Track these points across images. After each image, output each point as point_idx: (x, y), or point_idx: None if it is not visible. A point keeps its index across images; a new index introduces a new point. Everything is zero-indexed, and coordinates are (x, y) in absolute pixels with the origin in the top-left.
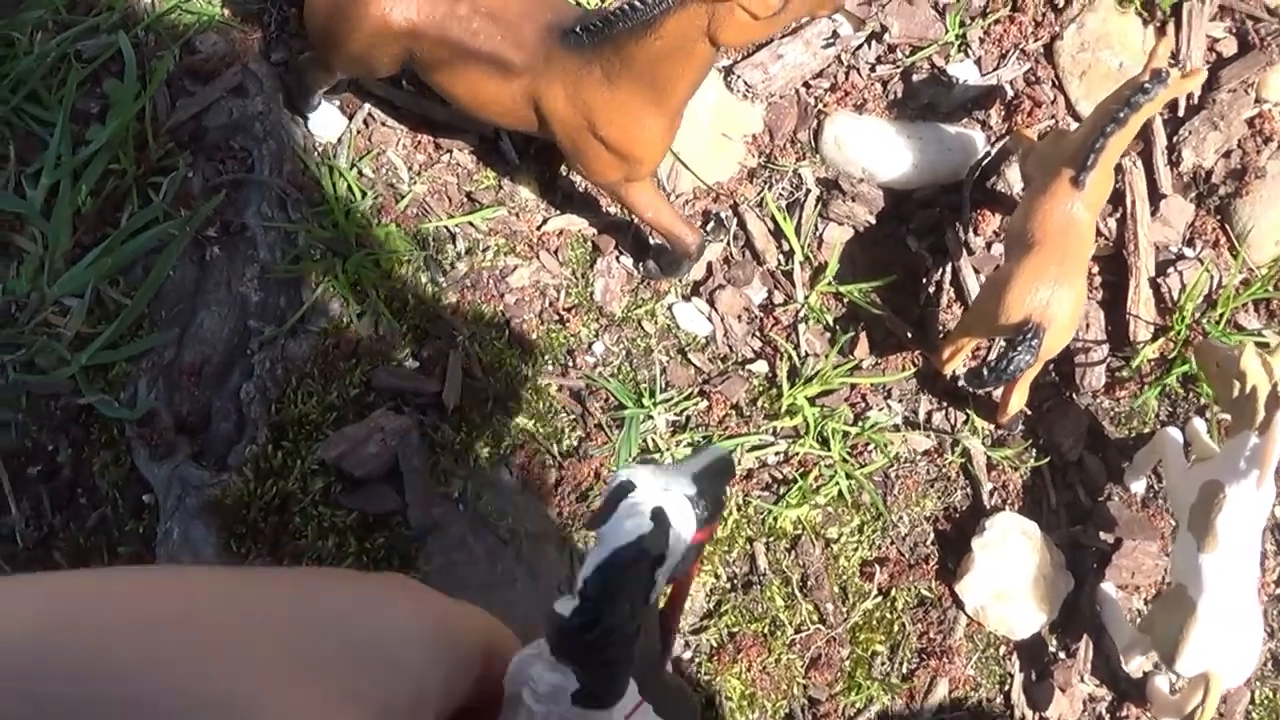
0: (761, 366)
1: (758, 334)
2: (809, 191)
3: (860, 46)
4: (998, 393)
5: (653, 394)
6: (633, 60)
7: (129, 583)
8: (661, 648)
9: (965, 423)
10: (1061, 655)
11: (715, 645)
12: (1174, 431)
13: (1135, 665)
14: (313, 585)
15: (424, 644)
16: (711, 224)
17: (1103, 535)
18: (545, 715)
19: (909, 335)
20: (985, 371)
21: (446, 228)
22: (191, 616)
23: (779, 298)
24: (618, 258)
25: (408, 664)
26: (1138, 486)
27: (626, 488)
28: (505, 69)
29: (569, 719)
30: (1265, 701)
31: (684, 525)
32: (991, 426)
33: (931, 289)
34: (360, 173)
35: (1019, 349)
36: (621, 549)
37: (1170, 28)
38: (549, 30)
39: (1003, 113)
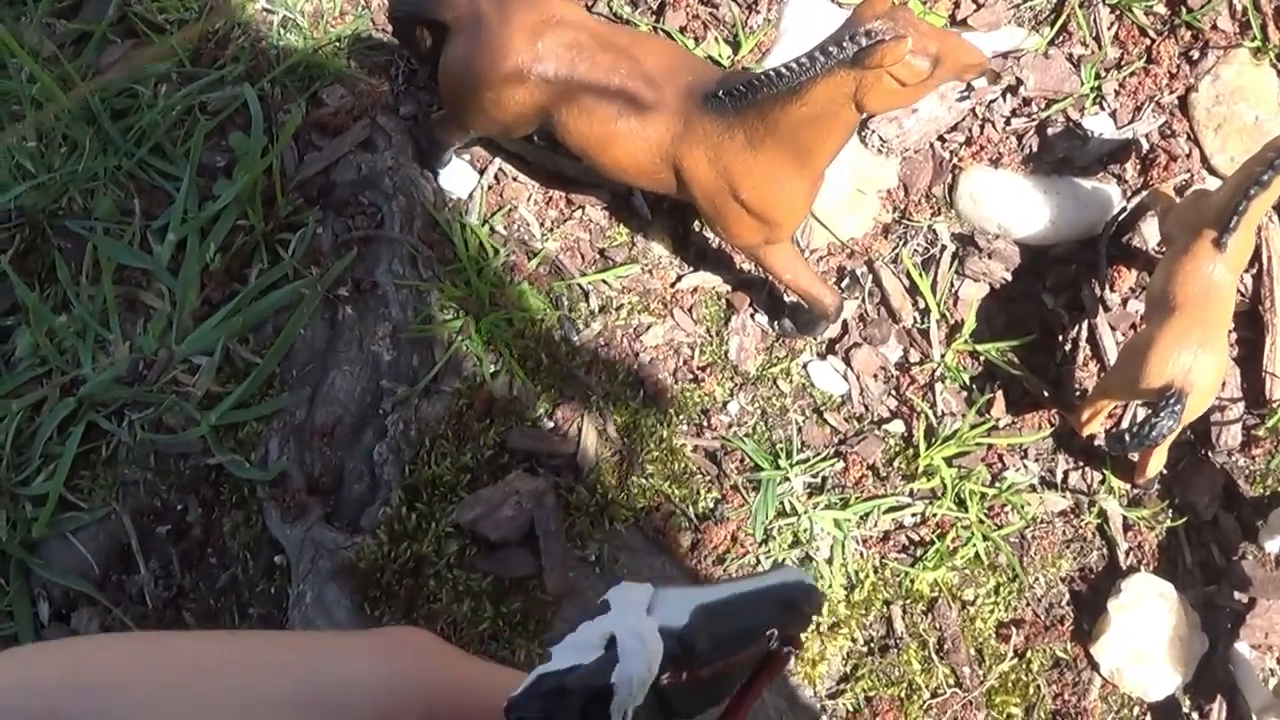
0: (898, 426)
1: (894, 393)
2: (944, 248)
3: (995, 100)
4: (1136, 454)
5: (789, 454)
6: (777, 125)
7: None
8: None
9: (1102, 483)
10: (1195, 717)
11: (851, 709)
12: None
13: None
14: (287, 643)
15: (381, 692)
16: (847, 281)
17: (1237, 595)
18: None
19: (1045, 394)
20: (1127, 437)
21: (580, 286)
22: (154, 671)
23: (915, 356)
24: (752, 315)
25: (360, 706)
26: (1272, 546)
27: (604, 606)
28: (644, 132)
29: None
30: None
31: (639, 661)
32: (1127, 486)
33: (1068, 347)
34: (492, 229)
35: (1161, 415)
36: (545, 675)
37: None
38: (689, 93)
39: (1138, 167)
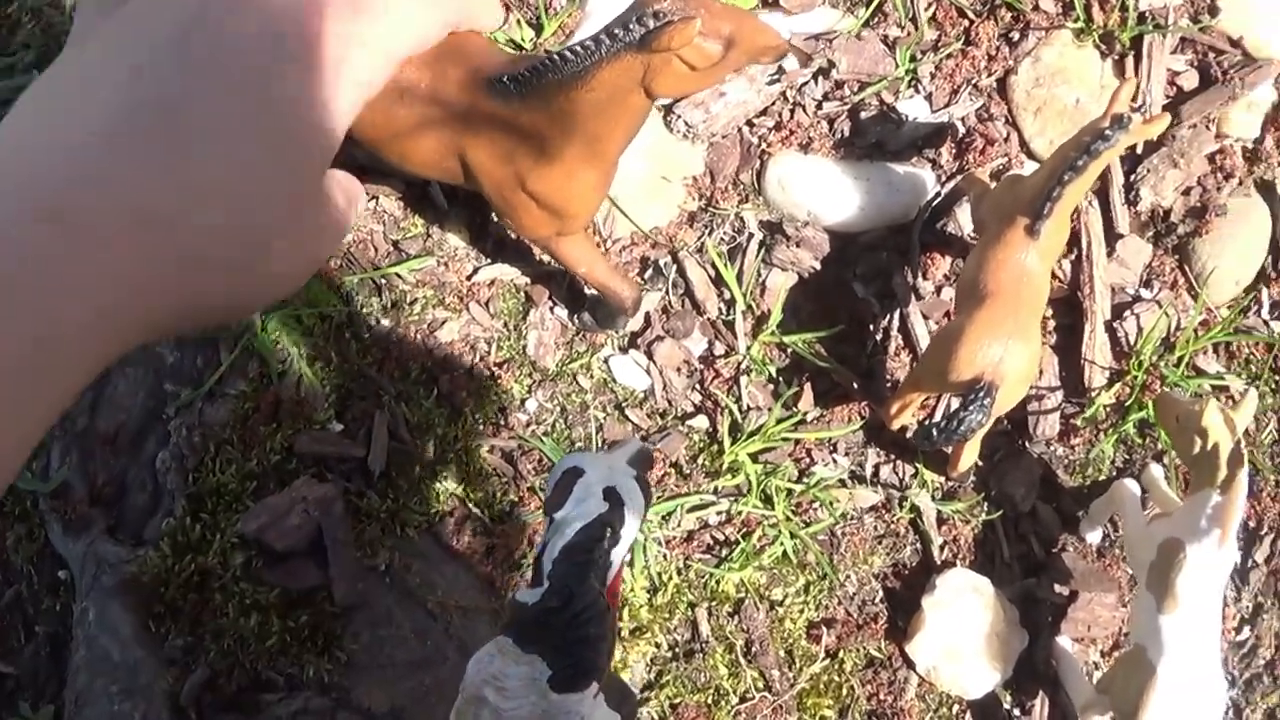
0: (702, 422)
1: (698, 388)
2: (751, 236)
3: (806, 83)
4: (949, 447)
5: None
6: (564, 112)
7: None
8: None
9: (914, 476)
10: (1017, 713)
11: (657, 718)
12: (1131, 484)
13: None
14: None
15: None
16: (650, 272)
17: (1057, 588)
18: (515, 710)
19: (855, 386)
20: (935, 432)
21: (372, 279)
22: None
23: (720, 349)
24: (551, 309)
25: None
26: (1093, 537)
27: (577, 472)
28: (428, 120)
29: (539, 710)
30: None
31: (634, 504)
32: (941, 479)
33: (879, 336)
34: None
35: (970, 408)
36: (586, 528)
37: (1130, 62)
38: (474, 78)
39: (954, 151)
